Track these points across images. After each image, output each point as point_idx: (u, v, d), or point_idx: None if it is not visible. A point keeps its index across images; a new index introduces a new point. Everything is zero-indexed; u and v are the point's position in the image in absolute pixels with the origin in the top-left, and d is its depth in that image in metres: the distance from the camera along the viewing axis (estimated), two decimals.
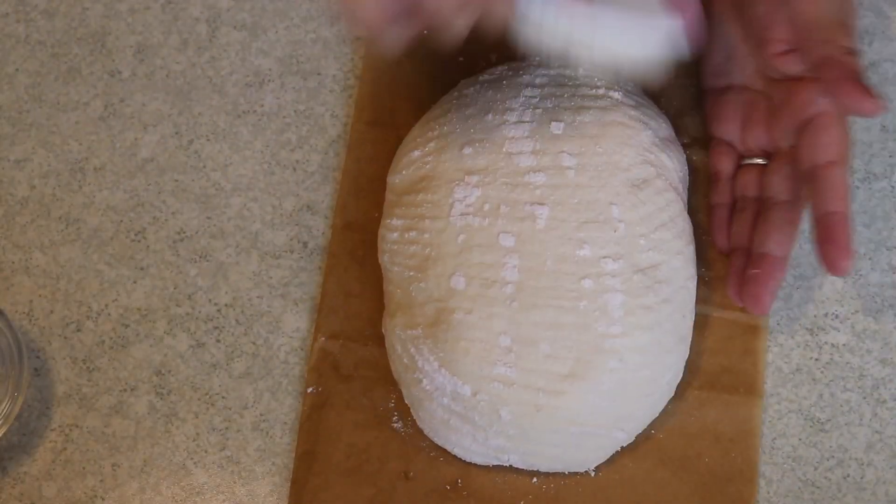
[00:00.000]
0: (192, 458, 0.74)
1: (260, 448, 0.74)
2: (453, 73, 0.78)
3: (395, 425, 0.73)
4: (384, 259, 0.73)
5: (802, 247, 0.76)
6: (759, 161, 0.73)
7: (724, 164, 0.75)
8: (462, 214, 0.70)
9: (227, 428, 0.75)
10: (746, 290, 0.70)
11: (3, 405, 0.72)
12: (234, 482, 0.74)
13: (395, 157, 0.75)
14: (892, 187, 0.77)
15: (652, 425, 0.72)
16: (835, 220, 0.66)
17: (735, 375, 0.73)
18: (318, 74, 0.80)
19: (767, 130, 0.72)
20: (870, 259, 0.76)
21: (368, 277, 0.75)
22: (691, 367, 0.73)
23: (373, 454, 0.73)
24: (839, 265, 0.66)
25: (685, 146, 0.76)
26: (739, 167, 0.74)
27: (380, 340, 0.74)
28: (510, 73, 0.74)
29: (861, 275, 0.76)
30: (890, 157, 0.78)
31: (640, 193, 0.70)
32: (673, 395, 0.72)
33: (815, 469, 0.73)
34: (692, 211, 0.75)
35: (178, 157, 0.79)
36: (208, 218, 0.78)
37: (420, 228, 0.71)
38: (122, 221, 0.78)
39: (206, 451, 0.74)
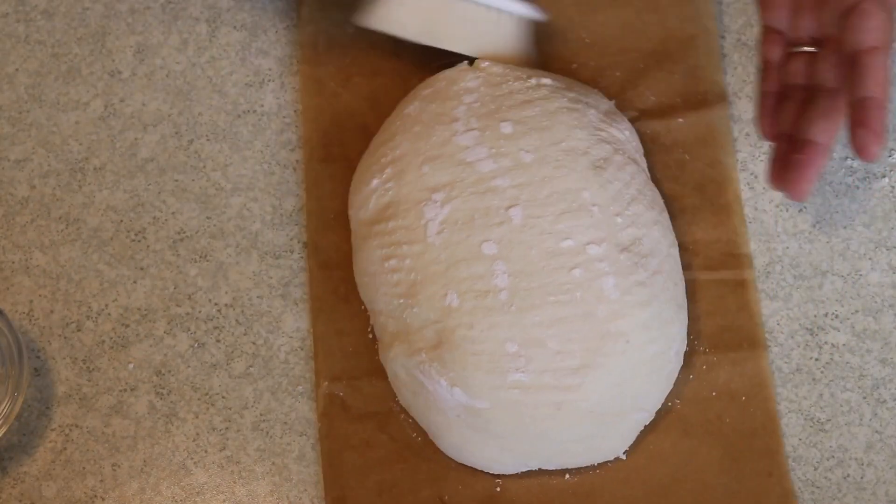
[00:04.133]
0: (192, 458, 0.74)
1: (260, 448, 0.74)
2: (392, 93, 0.77)
3: (419, 453, 0.73)
4: (366, 293, 0.72)
5: (802, 247, 0.76)
6: (809, 49, 0.73)
7: (774, 52, 0.73)
8: (438, 233, 0.70)
9: (227, 428, 0.75)
10: (788, 175, 0.69)
11: (3, 405, 0.72)
12: (234, 482, 0.74)
13: (352, 191, 0.74)
14: (893, 187, 0.77)
15: (668, 398, 0.72)
16: (871, 104, 0.66)
17: (735, 332, 0.73)
18: None
19: (816, 17, 0.72)
20: (870, 259, 0.76)
21: (356, 313, 0.75)
22: (692, 333, 0.73)
23: (404, 486, 0.72)
24: (869, 149, 0.65)
25: (633, 120, 0.77)
26: (789, 55, 0.73)
27: (383, 373, 0.73)
28: (444, 83, 0.74)
29: (861, 275, 0.76)
30: (890, 157, 0.78)
31: (604, 173, 0.70)
32: (681, 364, 0.72)
33: (815, 469, 0.73)
34: (655, 181, 0.75)
35: (178, 157, 0.79)
36: (208, 218, 0.78)
37: (399, 255, 0.70)
38: (122, 221, 0.78)
39: (206, 451, 0.74)
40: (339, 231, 0.75)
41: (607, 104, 0.75)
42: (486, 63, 0.74)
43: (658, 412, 0.72)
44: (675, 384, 0.72)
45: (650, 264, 0.70)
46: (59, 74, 0.80)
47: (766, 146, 0.78)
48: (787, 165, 0.70)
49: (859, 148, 0.66)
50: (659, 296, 0.70)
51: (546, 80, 0.73)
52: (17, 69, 0.81)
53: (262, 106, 0.80)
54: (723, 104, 0.77)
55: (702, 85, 0.78)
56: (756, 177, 0.77)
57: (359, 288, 0.73)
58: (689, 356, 0.73)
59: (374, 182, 0.72)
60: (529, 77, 0.73)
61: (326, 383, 0.73)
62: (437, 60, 0.76)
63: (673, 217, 0.74)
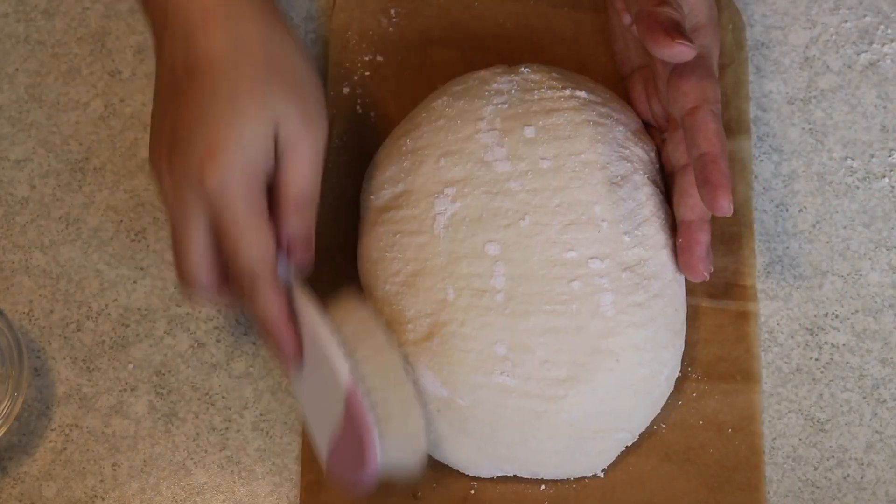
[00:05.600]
0: (192, 458, 0.74)
1: (260, 448, 0.74)
2: (418, 89, 0.78)
3: None
4: (366, 280, 0.73)
5: (802, 247, 0.76)
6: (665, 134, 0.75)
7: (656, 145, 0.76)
8: (445, 227, 0.70)
9: (227, 428, 0.75)
10: (681, 263, 0.71)
11: (3, 405, 0.72)
12: (234, 482, 0.74)
13: (367, 177, 0.74)
14: (892, 187, 0.77)
15: (654, 421, 0.72)
16: (706, 159, 0.66)
17: (730, 363, 0.73)
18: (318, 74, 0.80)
19: (659, 101, 0.74)
20: (870, 259, 0.76)
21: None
22: (686, 359, 0.73)
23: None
24: (717, 203, 0.66)
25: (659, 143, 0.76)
26: (661, 144, 0.75)
27: None
28: (476, 82, 0.74)
29: (861, 275, 0.76)
30: (890, 157, 0.78)
31: (619, 191, 0.70)
32: (672, 389, 0.72)
33: (815, 469, 0.73)
34: (673, 204, 0.75)
35: None
36: None
37: (403, 244, 0.70)
38: (122, 221, 0.78)
39: (206, 451, 0.74)
40: (348, 219, 0.75)
41: (637, 123, 0.74)
42: (526, 69, 0.74)
43: (642, 434, 0.72)
44: (662, 408, 0.72)
45: (652, 287, 0.70)
46: (59, 74, 0.80)
47: (765, 146, 0.78)
48: (679, 253, 0.71)
49: (709, 205, 0.66)
50: (656, 319, 0.69)
51: (580, 93, 0.73)
52: (17, 69, 0.81)
53: None
54: (746, 134, 0.77)
55: (727, 113, 0.76)
56: (756, 177, 0.77)
57: (360, 274, 0.73)
58: (680, 382, 0.73)
59: (391, 169, 0.72)
60: (565, 87, 0.73)
61: None
62: (464, 59, 0.78)
63: None
